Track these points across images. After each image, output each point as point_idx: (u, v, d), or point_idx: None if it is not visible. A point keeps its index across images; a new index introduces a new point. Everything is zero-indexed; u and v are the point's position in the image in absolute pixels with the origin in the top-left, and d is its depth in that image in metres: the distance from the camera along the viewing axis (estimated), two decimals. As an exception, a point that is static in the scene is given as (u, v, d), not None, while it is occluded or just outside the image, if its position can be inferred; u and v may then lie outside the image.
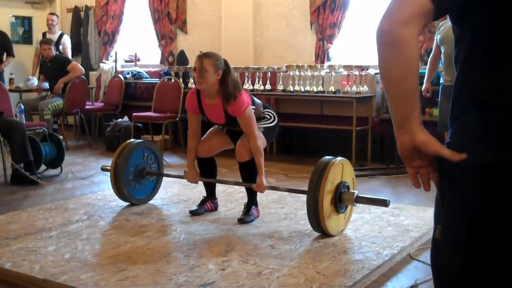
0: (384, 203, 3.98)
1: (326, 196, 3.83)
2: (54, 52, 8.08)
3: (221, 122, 4.39)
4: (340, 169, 4.00)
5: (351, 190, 4.04)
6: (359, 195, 4.01)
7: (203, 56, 4.16)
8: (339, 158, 4.02)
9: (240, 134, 4.34)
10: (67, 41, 9.27)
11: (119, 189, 4.70)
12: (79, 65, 8.30)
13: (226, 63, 4.23)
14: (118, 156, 4.70)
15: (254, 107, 4.31)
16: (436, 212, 1.50)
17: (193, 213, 4.51)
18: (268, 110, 4.55)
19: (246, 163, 4.32)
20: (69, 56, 9.08)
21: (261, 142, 4.32)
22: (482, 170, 1.34)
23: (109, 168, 4.74)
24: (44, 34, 9.28)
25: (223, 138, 4.54)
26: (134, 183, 4.78)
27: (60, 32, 9.39)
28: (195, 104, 4.36)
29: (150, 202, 4.95)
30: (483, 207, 1.35)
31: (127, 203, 4.82)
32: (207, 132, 4.56)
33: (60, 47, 8.99)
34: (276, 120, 4.52)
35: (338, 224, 4.02)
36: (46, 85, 8.29)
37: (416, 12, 1.35)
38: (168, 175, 5.07)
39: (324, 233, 3.95)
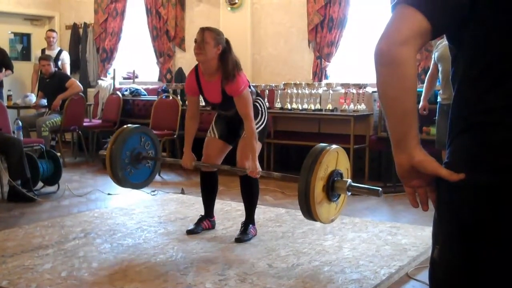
0: (376, 192, 3.85)
1: (318, 182, 3.66)
2: (53, 68, 8.10)
3: (217, 101, 4.32)
4: (335, 157, 3.85)
5: (344, 179, 3.92)
6: (352, 184, 3.87)
7: (205, 29, 4.21)
8: (334, 146, 3.92)
9: (234, 129, 4.35)
10: (66, 57, 9.31)
11: (114, 172, 4.53)
12: (78, 82, 8.32)
13: (227, 41, 4.25)
14: (115, 139, 4.56)
15: (251, 90, 4.32)
16: (434, 232, 1.49)
17: (190, 232, 4.49)
18: (259, 98, 4.48)
19: (246, 177, 4.31)
20: (68, 72, 9.10)
21: (257, 149, 4.32)
22: (480, 190, 1.34)
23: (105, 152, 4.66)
24: (43, 51, 9.30)
25: (219, 146, 4.47)
26: (130, 168, 4.62)
27: (59, 48, 9.42)
28: (194, 84, 4.35)
29: (147, 220, 4.94)
30: (481, 228, 1.35)
31: (122, 222, 4.80)
32: (204, 147, 4.52)
33: (59, 63, 9.02)
34: (266, 115, 4.44)
35: (329, 213, 3.85)
36: (44, 101, 8.30)
37: (413, 32, 1.36)
38: (164, 160, 5.00)
39: (315, 220, 3.80)
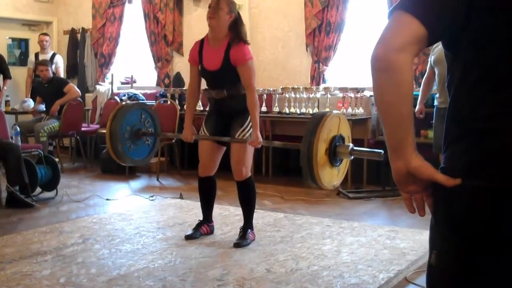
0: (378, 155, 3.81)
1: (321, 144, 3.62)
2: (51, 73, 8.10)
3: (215, 68, 4.27)
4: (337, 123, 3.80)
5: (346, 143, 3.91)
6: (354, 148, 3.83)
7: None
8: (335, 111, 3.88)
9: (225, 126, 4.32)
10: (59, 60, 9.30)
11: (114, 146, 4.50)
12: (76, 87, 8.31)
13: (239, 14, 4.32)
14: (116, 113, 4.56)
15: None
16: (431, 237, 1.50)
17: (188, 237, 4.49)
18: None
19: (243, 182, 4.31)
20: (62, 75, 9.08)
21: (250, 150, 4.31)
22: (476, 195, 1.35)
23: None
24: (36, 55, 9.32)
25: (213, 147, 4.43)
26: (129, 143, 4.61)
27: (52, 52, 9.42)
28: (196, 51, 4.38)
29: (145, 225, 4.93)
30: (477, 233, 1.35)
31: (120, 227, 4.80)
32: (199, 153, 4.51)
33: (53, 66, 9.00)
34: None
35: (332, 177, 3.83)
36: (42, 107, 8.29)
37: (410, 38, 1.37)
38: (164, 135, 4.99)
39: (317, 184, 3.75)
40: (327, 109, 6.99)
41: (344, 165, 3.94)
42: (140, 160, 4.78)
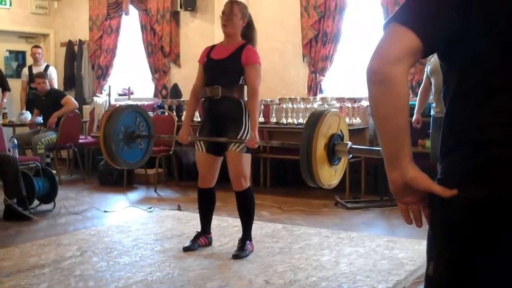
0: (377, 152, 3.76)
1: (320, 139, 3.55)
2: (48, 85, 8.11)
3: (222, 56, 4.33)
4: (337, 121, 3.74)
5: (345, 141, 3.82)
6: (353, 146, 3.77)
7: (233, 2, 4.34)
8: (334, 110, 3.86)
9: (219, 131, 4.29)
10: (53, 72, 9.30)
11: (107, 146, 4.42)
12: (73, 99, 8.32)
13: (251, 17, 4.42)
14: (111, 113, 4.52)
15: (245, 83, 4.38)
16: (429, 248, 1.50)
17: (186, 249, 4.48)
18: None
19: (242, 192, 4.31)
20: (55, 86, 9.06)
21: (246, 160, 4.30)
22: (473, 206, 1.35)
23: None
24: (30, 67, 9.33)
25: (209, 159, 4.40)
26: (123, 144, 4.54)
27: (45, 64, 9.43)
28: (206, 53, 4.43)
29: (143, 237, 4.92)
30: (474, 243, 1.36)
31: (118, 240, 4.79)
32: (197, 165, 4.51)
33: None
34: (249, 118, 4.37)
35: (329, 176, 3.75)
36: (39, 119, 8.29)
37: (405, 50, 1.37)
38: (159, 137, 4.97)
39: (314, 181, 3.66)
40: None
41: (342, 166, 3.89)
42: (132, 163, 4.73)
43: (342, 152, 3.65)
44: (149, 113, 8.47)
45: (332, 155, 3.64)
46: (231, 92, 4.26)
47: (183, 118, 7.94)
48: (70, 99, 8.19)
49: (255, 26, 4.45)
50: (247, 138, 4.24)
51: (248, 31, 4.37)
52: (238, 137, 4.24)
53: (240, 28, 4.32)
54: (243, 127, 4.26)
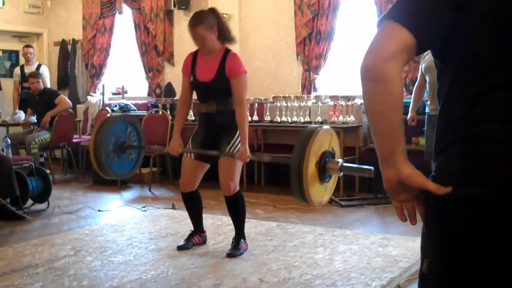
0: (369, 172, 3.80)
1: (312, 157, 3.53)
2: (41, 85, 8.08)
3: (208, 79, 4.25)
4: (328, 138, 3.78)
5: (337, 159, 3.85)
6: (344, 164, 3.81)
7: (194, 25, 4.15)
8: (326, 126, 3.86)
9: (212, 141, 4.27)
10: (45, 71, 9.26)
11: (97, 155, 4.36)
12: (67, 98, 8.29)
13: (214, 13, 4.21)
14: (101, 124, 4.46)
15: None
16: (423, 246, 1.50)
17: (180, 248, 4.47)
18: None
19: (232, 197, 4.31)
20: (48, 85, 9.02)
21: (239, 167, 4.29)
22: (467, 203, 1.35)
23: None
24: (22, 67, 9.30)
25: (195, 166, 4.40)
26: (113, 155, 4.49)
27: (37, 63, 9.40)
28: (189, 63, 4.36)
29: (138, 236, 4.92)
30: (468, 241, 1.36)
31: (112, 239, 4.78)
32: (182, 168, 4.48)
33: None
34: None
35: (320, 194, 3.72)
36: (33, 119, 8.27)
37: (399, 47, 1.37)
38: (149, 148, 4.94)
39: (305, 199, 3.62)
40: (318, 118, 7.01)
41: (332, 183, 3.92)
42: (122, 174, 4.70)
43: (333, 169, 3.69)
44: (143, 112, 8.53)
45: (323, 173, 3.67)
46: (226, 106, 4.25)
47: (175, 118, 7.94)
48: (64, 98, 8.17)
49: (223, 20, 4.28)
50: (238, 146, 4.22)
51: (222, 33, 4.22)
52: (232, 142, 4.22)
53: (214, 39, 4.18)
54: (237, 133, 4.23)
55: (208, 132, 4.33)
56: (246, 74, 4.23)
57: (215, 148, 4.26)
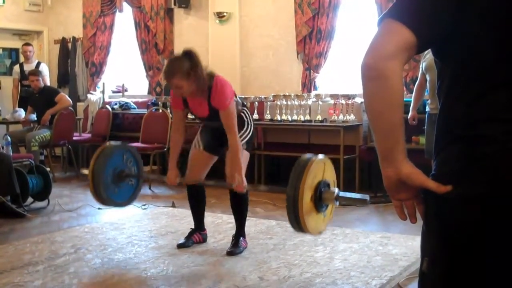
0: (364, 201, 3.84)
1: (306, 192, 3.60)
2: (42, 83, 8.09)
3: (205, 115, 4.28)
4: (322, 168, 3.84)
5: (332, 189, 3.90)
6: (340, 193, 3.86)
7: (169, 78, 4.08)
8: (320, 156, 3.92)
9: (220, 137, 4.28)
10: (45, 69, 9.26)
11: (98, 192, 4.43)
12: (67, 96, 8.29)
13: (189, 57, 4.07)
14: (97, 158, 4.47)
15: (236, 99, 4.27)
16: (423, 244, 1.50)
17: (180, 246, 4.48)
18: (244, 108, 4.45)
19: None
20: (48, 83, 9.02)
21: (245, 158, 4.30)
22: (467, 202, 1.35)
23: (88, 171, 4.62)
24: (21, 65, 9.30)
25: (204, 157, 4.45)
26: (113, 186, 4.54)
27: (36, 61, 9.40)
28: (180, 100, 4.32)
29: (138, 234, 4.92)
30: (468, 240, 1.36)
31: (112, 237, 4.78)
32: (189, 160, 4.52)
33: None
34: (251, 123, 4.42)
35: (317, 224, 3.78)
36: (33, 116, 8.27)
37: (399, 46, 1.37)
38: (147, 177, 4.96)
39: (302, 231, 3.71)
40: (318, 116, 7.01)
41: (330, 210, 3.99)
42: (124, 202, 4.72)
43: (329, 199, 3.76)
44: (143, 110, 8.53)
45: (319, 203, 3.74)
46: None
47: (173, 116, 7.95)
48: (64, 96, 8.17)
49: (200, 66, 4.10)
50: (246, 138, 4.26)
51: (199, 81, 4.07)
52: (241, 132, 4.26)
53: (194, 85, 4.07)
54: (246, 126, 4.31)
55: (217, 129, 4.35)
56: (233, 101, 4.16)
57: (222, 147, 4.31)
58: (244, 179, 4.19)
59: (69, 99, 8.23)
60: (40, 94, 8.06)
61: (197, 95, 4.18)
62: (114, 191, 4.54)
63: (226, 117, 4.14)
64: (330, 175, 3.90)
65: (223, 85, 4.14)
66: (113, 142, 4.75)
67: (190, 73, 4.03)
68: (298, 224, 3.67)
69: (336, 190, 3.78)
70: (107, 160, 4.49)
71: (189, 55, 4.09)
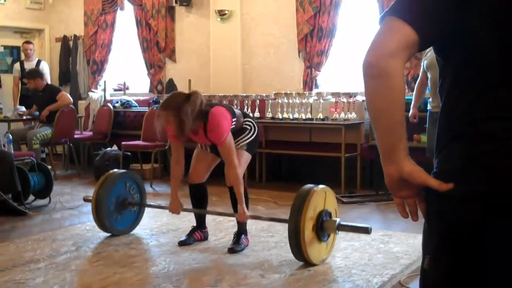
0: (366, 230, 3.96)
1: (307, 223, 3.79)
2: (43, 82, 8.09)
3: (208, 144, 4.36)
4: (323, 197, 3.97)
5: (333, 218, 4.02)
6: (341, 223, 3.98)
7: (159, 114, 4.09)
8: (321, 186, 4.00)
9: None
10: (45, 67, 9.25)
11: (101, 220, 4.65)
12: (68, 95, 8.27)
13: (187, 97, 4.05)
14: (100, 186, 4.66)
15: (235, 119, 4.26)
16: (424, 242, 1.50)
17: (182, 243, 4.48)
18: (247, 119, 4.46)
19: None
20: (48, 81, 9.00)
21: (245, 160, 4.32)
22: (468, 200, 1.35)
23: (91, 198, 4.70)
24: (21, 63, 9.29)
25: (208, 158, 4.49)
26: (116, 214, 4.72)
27: (37, 59, 9.40)
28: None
29: (139, 232, 4.92)
30: (470, 237, 1.36)
31: (113, 235, 4.78)
32: (193, 159, 4.54)
33: None
34: (256, 129, 4.44)
35: (320, 253, 3.98)
36: (36, 113, 8.28)
37: (401, 44, 1.37)
38: (150, 205, 5.03)
39: (306, 261, 3.91)
40: (320, 115, 7.01)
41: (332, 238, 4.07)
42: (126, 229, 4.85)
43: (331, 229, 3.95)
44: (144, 108, 8.53)
45: (321, 232, 3.91)
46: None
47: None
48: (65, 94, 8.16)
49: (192, 101, 4.02)
50: (247, 140, 4.31)
51: (187, 119, 4.01)
52: (240, 137, 4.32)
53: (183, 122, 4.00)
54: (249, 130, 4.36)
55: None
56: (228, 135, 4.13)
57: None
58: (246, 209, 4.24)
59: (70, 97, 8.22)
60: (43, 92, 8.06)
61: (189, 131, 4.11)
62: (117, 218, 4.69)
63: (223, 152, 4.18)
64: (331, 204, 4.01)
65: (218, 121, 4.11)
66: (116, 171, 4.85)
67: (179, 114, 3.98)
68: (301, 255, 3.87)
69: (338, 219, 3.90)
70: (110, 190, 4.65)
71: (188, 96, 4.08)
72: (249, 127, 4.42)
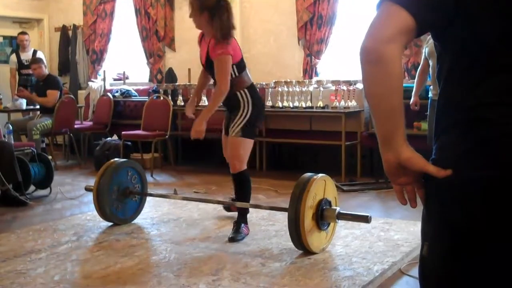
0: (365, 219, 3.95)
1: (307, 211, 3.78)
2: (45, 70, 8.10)
3: (203, 61, 4.40)
4: (322, 186, 3.97)
5: (333, 207, 4.02)
6: (341, 211, 3.98)
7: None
8: (320, 175, 4.00)
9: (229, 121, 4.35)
10: (41, 57, 9.23)
11: (102, 209, 4.65)
12: (57, 97, 8.03)
13: (218, 5, 4.17)
14: (101, 175, 4.66)
15: (240, 72, 4.30)
16: (423, 229, 1.50)
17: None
18: (246, 90, 4.33)
19: (237, 174, 4.32)
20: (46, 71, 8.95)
21: (244, 150, 4.31)
22: (467, 186, 1.35)
23: (92, 187, 4.71)
24: (17, 54, 9.27)
25: (225, 140, 4.53)
26: (117, 203, 4.73)
27: (32, 49, 9.37)
28: (199, 39, 4.45)
29: (140, 221, 4.92)
30: (468, 224, 1.35)
31: (114, 224, 4.79)
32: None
33: None
34: (250, 109, 4.29)
35: (320, 241, 3.98)
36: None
37: (398, 29, 1.36)
38: (151, 195, 5.03)
39: (306, 250, 3.91)
40: (320, 103, 7.00)
41: (332, 227, 4.07)
42: (127, 218, 4.85)
43: (331, 217, 3.97)
44: (144, 97, 8.51)
45: (321, 221, 3.93)
46: (230, 88, 4.24)
47: (178, 102, 7.99)
48: (54, 95, 8.00)
49: (226, 18, 4.16)
50: (241, 123, 4.27)
51: (212, 23, 4.16)
52: (235, 121, 4.29)
53: (204, 22, 4.19)
54: (241, 110, 4.28)
55: (227, 110, 4.45)
56: (227, 56, 4.17)
57: (229, 124, 4.39)
58: (202, 123, 4.25)
59: (55, 99, 8.01)
60: (44, 82, 8.06)
61: (207, 35, 4.28)
62: (118, 207, 4.68)
63: (217, 66, 4.20)
64: (331, 193, 4.01)
65: (228, 41, 4.19)
66: (118, 159, 4.86)
67: (205, 10, 4.15)
68: (300, 244, 3.87)
69: (338, 208, 3.90)
70: (112, 177, 4.65)
71: (219, 4, 4.19)
72: (241, 99, 4.30)
